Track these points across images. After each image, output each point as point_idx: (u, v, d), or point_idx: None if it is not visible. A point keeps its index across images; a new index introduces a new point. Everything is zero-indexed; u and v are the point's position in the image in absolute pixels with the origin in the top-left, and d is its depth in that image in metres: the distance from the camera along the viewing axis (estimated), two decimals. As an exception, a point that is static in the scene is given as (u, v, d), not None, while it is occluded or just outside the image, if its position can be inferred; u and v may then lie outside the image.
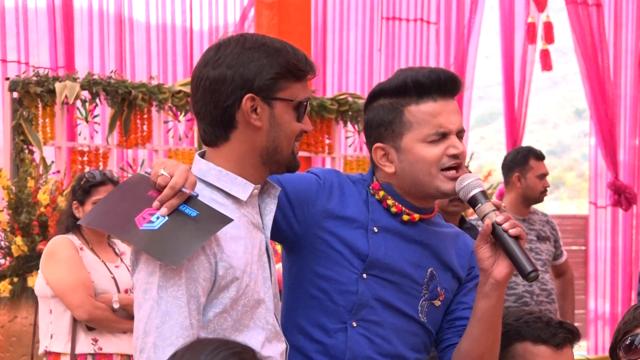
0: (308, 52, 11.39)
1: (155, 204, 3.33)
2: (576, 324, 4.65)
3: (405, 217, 3.80)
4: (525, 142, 9.57)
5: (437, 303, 3.78)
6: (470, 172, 3.73)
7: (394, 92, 3.80)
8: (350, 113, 11.19)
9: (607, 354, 5.00)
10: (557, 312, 8.24)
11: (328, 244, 3.79)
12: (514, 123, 12.66)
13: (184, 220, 3.36)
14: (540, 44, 12.85)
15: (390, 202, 3.81)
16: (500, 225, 3.57)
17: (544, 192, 8.66)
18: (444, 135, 3.72)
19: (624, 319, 4.87)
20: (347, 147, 11.46)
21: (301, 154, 10.31)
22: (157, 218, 3.35)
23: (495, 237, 3.59)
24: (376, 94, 3.86)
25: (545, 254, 8.52)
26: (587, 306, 13.39)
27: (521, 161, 8.78)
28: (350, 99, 11.24)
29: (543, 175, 8.68)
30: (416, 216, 3.80)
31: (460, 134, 3.76)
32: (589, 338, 13.25)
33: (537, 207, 9.05)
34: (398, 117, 3.77)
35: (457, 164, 3.72)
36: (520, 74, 13.17)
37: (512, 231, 3.56)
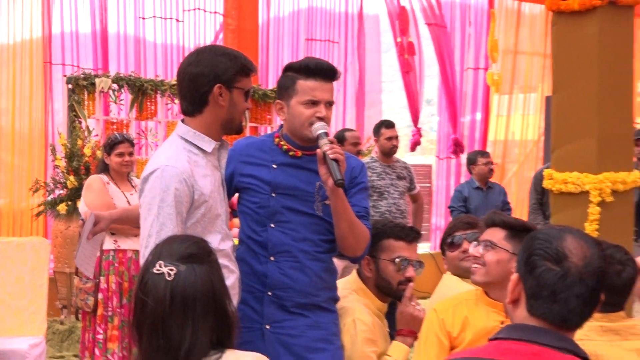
0: (256, 60, 11.40)
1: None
2: (423, 232, 4.75)
3: (291, 153, 3.89)
4: (396, 120, 9.50)
5: (328, 202, 3.81)
6: (323, 123, 3.81)
7: (295, 69, 3.87)
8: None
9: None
10: (409, 224, 8.29)
11: (247, 182, 3.91)
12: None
13: None
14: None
15: (282, 142, 3.91)
16: (325, 152, 3.66)
17: (392, 148, 8.63)
18: (314, 103, 3.80)
19: (449, 225, 4.97)
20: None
21: (251, 124, 10.45)
22: None
23: (325, 160, 3.66)
24: (287, 68, 3.93)
25: (402, 187, 8.55)
26: (430, 221, 13.47)
27: (376, 130, 8.81)
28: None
29: (390, 138, 8.61)
30: (299, 152, 3.88)
31: (328, 105, 3.84)
32: (431, 241, 13.39)
33: (400, 158, 9.07)
34: (292, 85, 3.84)
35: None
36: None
37: (331, 155, 3.64)
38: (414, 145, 13.11)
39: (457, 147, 13.49)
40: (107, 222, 4.05)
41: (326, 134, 3.76)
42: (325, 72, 3.85)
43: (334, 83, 3.96)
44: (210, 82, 3.57)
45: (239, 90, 3.63)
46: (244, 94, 3.66)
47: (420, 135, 13.04)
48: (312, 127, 3.79)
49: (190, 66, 3.62)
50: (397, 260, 4.18)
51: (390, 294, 4.25)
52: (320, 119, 3.80)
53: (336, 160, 3.66)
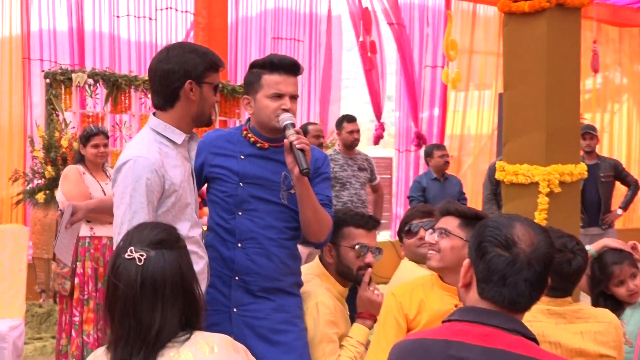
0: (225, 57, 11.38)
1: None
2: (383, 221, 4.78)
3: (258, 145, 3.89)
4: (358, 115, 9.52)
5: (293, 191, 3.83)
6: (290, 114, 3.82)
7: (260, 65, 3.88)
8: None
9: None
10: (370, 213, 8.27)
11: (216, 172, 3.91)
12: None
13: None
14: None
15: (250, 135, 3.91)
16: (292, 142, 3.67)
17: (354, 142, 8.57)
18: (279, 96, 3.80)
19: (406, 213, 5.00)
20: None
21: (220, 118, 10.43)
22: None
23: (291, 150, 3.66)
24: (252, 65, 3.94)
25: (362, 179, 8.52)
26: (391, 210, 13.50)
27: (339, 124, 8.77)
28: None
29: (351, 132, 8.55)
30: (266, 144, 3.88)
31: (293, 98, 3.85)
32: (391, 229, 13.40)
33: (362, 150, 9.05)
34: (258, 80, 3.85)
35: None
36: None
37: (298, 145, 3.66)
38: (377, 139, 13.16)
39: (420, 140, 13.54)
40: (84, 212, 4.03)
41: (293, 125, 3.77)
42: (288, 67, 3.86)
43: (300, 79, 3.98)
44: (181, 78, 3.55)
45: (208, 85, 3.62)
46: (213, 89, 3.65)
47: (383, 130, 13.07)
48: (279, 118, 3.79)
49: (161, 63, 3.59)
50: (357, 246, 4.21)
51: (350, 279, 4.27)
52: (286, 110, 3.81)
53: (302, 150, 3.67)
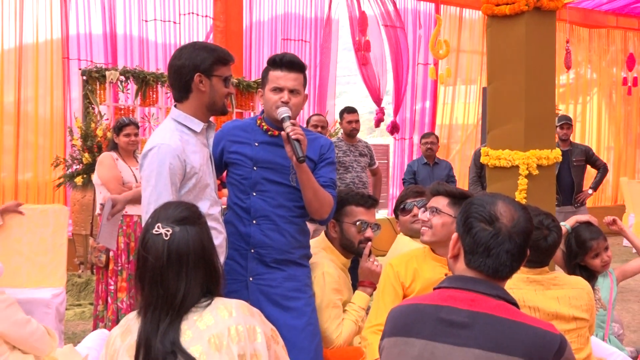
0: (241, 56, 11.36)
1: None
2: (381, 200, 4.76)
3: (270, 133, 3.87)
4: (359, 107, 9.49)
5: None
6: (288, 107, 3.79)
7: (268, 62, 3.87)
8: (264, 89, 10.98)
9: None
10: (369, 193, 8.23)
11: (233, 158, 3.89)
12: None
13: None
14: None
15: (263, 124, 3.90)
16: (288, 133, 3.63)
17: (352, 130, 8.43)
18: (280, 90, 3.79)
19: (401, 193, 4.99)
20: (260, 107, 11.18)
21: (236, 110, 10.39)
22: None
23: (289, 140, 3.63)
24: (267, 62, 3.92)
25: (363, 163, 8.46)
26: (388, 191, 13.48)
27: (340, 115, 8.66)
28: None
29: (350, 122, 8.42)
30: (276, 132, 3.85)
31: (292, 92, 3.81)
32: (388, 208, 13.38)
33: (363, 138, 9.00)
34: (266, 76, 3.85)
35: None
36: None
37: (293, 136, 3.63)
38: (378, 122, 13.17)
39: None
40: (123, 204, 4.01)
41: (289, 117, 3.75)
42: (288, 64, 3.84)
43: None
44: (190, 71, 3.55)
45: (217, 77, 3.61)
46: (222, 81, 3.64)
47: (384, 114, 13.06)
48: (278, 111, 3.78)
49: (174, 60, 3.60)
50: (358, 223, 4.21)
51: (352, 251, 4.28)
52: (285, 103, 3.79)
53: (298, 140, 3.65)
